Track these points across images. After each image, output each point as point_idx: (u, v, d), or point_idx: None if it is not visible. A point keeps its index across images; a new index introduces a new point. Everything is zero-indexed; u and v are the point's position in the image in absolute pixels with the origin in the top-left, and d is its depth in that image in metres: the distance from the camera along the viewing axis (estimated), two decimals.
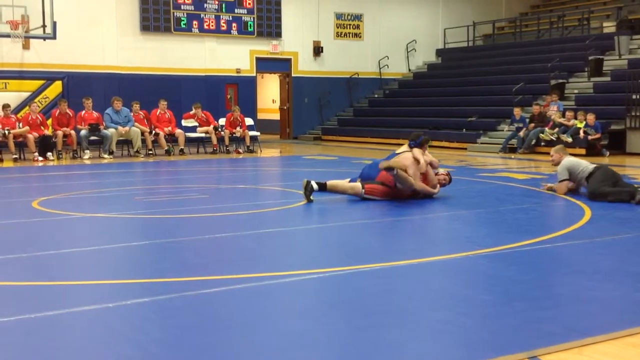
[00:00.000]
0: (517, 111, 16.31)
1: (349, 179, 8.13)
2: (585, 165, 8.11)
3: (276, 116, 23.50)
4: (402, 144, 8.46)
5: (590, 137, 14.54)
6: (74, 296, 4.02)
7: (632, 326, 3.37)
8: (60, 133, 14.62)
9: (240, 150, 16.34)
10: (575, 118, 15.11)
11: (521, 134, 15.68)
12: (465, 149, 16.90)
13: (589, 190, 7.81)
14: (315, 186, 7.62)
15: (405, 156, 7.88)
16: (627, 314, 3.62)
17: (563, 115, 15.56)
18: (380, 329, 3.38)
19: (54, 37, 15.92)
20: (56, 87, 17.77)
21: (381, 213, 7.06)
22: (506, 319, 3.53)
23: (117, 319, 3.58)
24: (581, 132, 14.67)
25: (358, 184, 7.79)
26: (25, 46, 17.20)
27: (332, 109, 22.59)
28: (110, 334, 3.38)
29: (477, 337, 3.29)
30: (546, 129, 15.36)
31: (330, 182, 7.80)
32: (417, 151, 7.89)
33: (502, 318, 3.55)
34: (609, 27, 20.29)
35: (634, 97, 15.18)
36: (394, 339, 3.23)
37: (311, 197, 7.63)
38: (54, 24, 15.66)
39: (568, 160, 8.24)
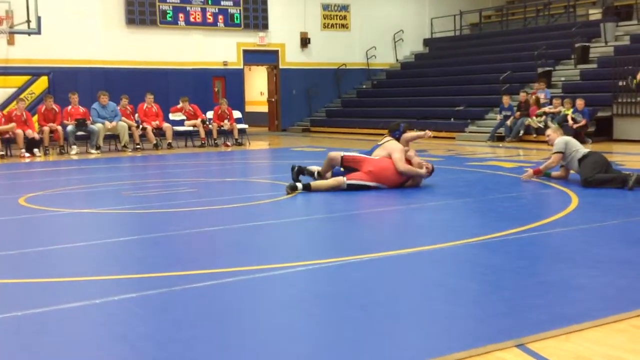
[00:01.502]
0: (505, 99, 16.35)
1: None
2: (580, 146, 8.20)
3: (264, 108, 23.45)
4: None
5: (576, 125, 14.58)
6: (62, 293, 4.00)
7: (618, 312, 3.39)
8: (46, 129, 14.52)
9: (229, 143, 16.30)
10: (562, 105, 15.17)
11: (508, 122, 15.74)
12: (454, 138, 16.94)
13: (582, 178, 7.84)
14: (300, 186, 7.73)
15: (392, 147, 7.95)
16: (614, 300, 3.64)
17: (550, 103, 15.62)
18: (370, 319, 3.39)
19: (39, 32, 15.77)
20: (42, 83, 17.64)
21: (370, 204, 7.07)
22: (494, 307, 3.55)
23: (105, 315, 3.57)
24: (569, 118, 14.72)
25: (340, 177, 7.87)
26: (10, 42, 17.05)
27: (321, 100, 22.55)
28: (99, 331, 3.37)
29: (465, 326, 3.30)
30: (533, 117, 15.40)
31: (314, 184, 7.86)
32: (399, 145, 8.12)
33: (490, 306, 3.57)
34: (595, 14, 20.35)
35: (620, 84, 15.26)
36: (383, 330, 3.24)
37: (298, 186, 7.77)
38: (39, 19, 15.52)
39: (566, 137, 8.39)
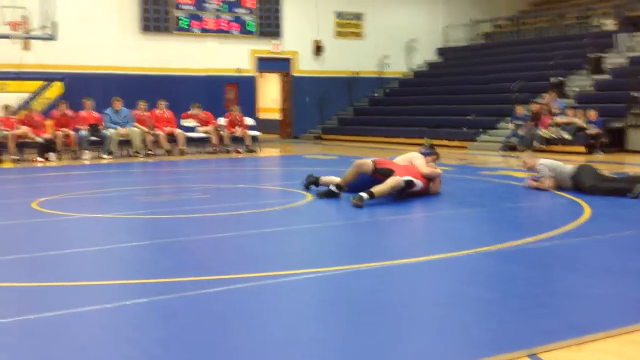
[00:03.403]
0: (519, 109, 16.31)
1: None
2: (562, 165, 8.41)
3: (276, 116, 23.49)
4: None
5: (589, 133, 14.50)
6: (74, 297, 4.01)
7: (632, 323, 3.37)
8: (60, 134, 14.62)
9: (240, 150, 16.33)
10: (575, 116, 15.12)
11: (520, 131, 15.69)
12: (466, 147, 16.90)
13: (587, 186, 7.88)
14: (365, 196, 7.16)
15: (413, 155, 8.02)
16: (628, 311, 3.62)
17: (563, 113, 15.56)
18: (380, 328, 3.38)
19: (55, 38, 15.90)
20: (56, 88, 17.77)
21: (382, 212, 7.05)
22: (506, 316, 3.53)
23: (117, 320, 3.58)
24: (584, 129, 14.64)
25: (396, 177, 7.47)
26: (25, 47, 17.18)
27: (333, 108, 22.56)
28: (111, 335, 3.38)
29: (477, 335, 3.28)
30: (541, 127, 15.34)
31: (376, 189, 7.29)
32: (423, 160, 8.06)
33: (502, 316, 3.55)
34: (608, 24, 20.28)
35: (634, 94, 15.17)
36: (393, 338, 3.23)
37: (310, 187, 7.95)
38: (54, 25, 15.64)
39: (544, 161, 8.59)
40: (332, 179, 8.11)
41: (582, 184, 8.00)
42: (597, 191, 7.76)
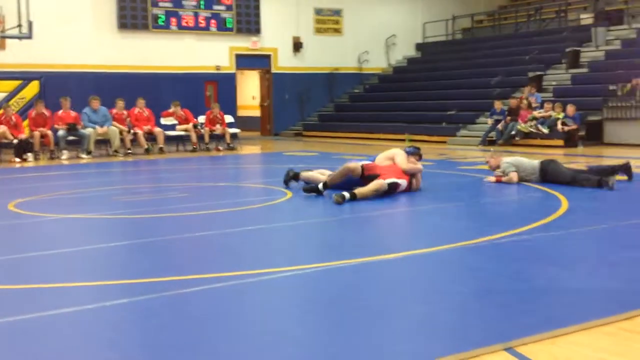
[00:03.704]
0: (497, 104, 16.43)
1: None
2: (526, 160, 8.68)
3: (257, 113, 23.45)
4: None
5: (567, 128, 14.68)
6: (52, 299, 3.98)
7: (606, 315, 3.41)
8: (37, 134, 14.48)
9: (221, 148, 16.29)
10: (553, 110, 15.25)
11: (499, 126, 15.79)
12: (445, 142, 16.98)
13: (567, 179, 8.14)
14: (347, 195, 7.20)
15: (394, 152, 8.07)
16: (603, 303, 3.66)
17: (541, 107, 15.69)
18: (360, 323, 3.39)
19: (30, 37, 15.73)
20: (33, 87, 17.61)
21: (362, 208, 7.07)
22: (483, 311, 3.56)
23: (96, 321, 3.56)
24: (559, 123, 14.80)
25: (379, 180, 7.54)
26: (1, 46, 17.01)
27: (313, 104, 22.57)
28: (89, 337, 3.36)
29: (454, 330, 3.31)
30: (520, 121, 15.46)
31: (359, 191, 7.34)
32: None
33: (479, 310, 3.58)
34: (586, 19, 20.46)
35: (611, 88, 15.34)
36: (373, 334, 3.24)
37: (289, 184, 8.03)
38: (30, 24, 15.48)
39: (508, 158, 8.83)
40: (314, 175, 8.18)
41: (555, 177, 8.26)
42: (576, 183, 8.00)
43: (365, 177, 7.73)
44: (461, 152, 14.39)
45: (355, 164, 7.84)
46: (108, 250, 5.35)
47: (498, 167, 8.74)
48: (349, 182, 7.75)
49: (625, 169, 8.44)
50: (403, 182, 7.75)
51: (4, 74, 17.18)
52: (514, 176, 8.45)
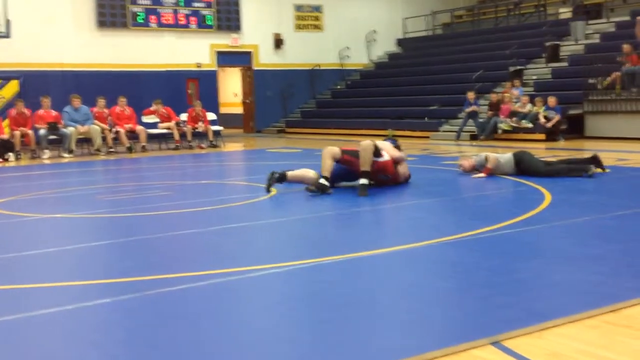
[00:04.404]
0: (470, 95, 16.39)
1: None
2: (500, 155, 8.74)
3: (239, 110, 23.38)
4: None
5: (550, 123, 14.75)
6: (34, 299, 3.94)
7: (592, 308, 3.43)
8: (17, 133, 14.33)
9: (203, 146, 16.22)
10: (532, 104, 15.32)
11: (480, 119, 15.83)
12: (428, 137, 17.03)
13: (543, 170, 8.30)
14: (366, 182, 7.39)
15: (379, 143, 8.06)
16: (587, 296, 3.68)
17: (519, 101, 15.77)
18: (345, 320, 3.38)
19: (8, 36, 15.56)
20: (12, 87, 17.43)
21: (345, 204, 7.07)
22: (468, 305, 3.57)
23: (78, 321, 3.53)
24: (541, 116, 14.87)
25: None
26: None
27: (295, 101, 22.54)
28: (72, 337, 3.32)
29: (440, 325, 3.32)
30: (501, 116, 15.52)
31: (362, 166, 7.48)
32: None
33: (465, 304, 3.59)
34: (565, 13, 20.60)
35: (591, 81, 15.45)
36: (358, 330, 3.24)
37: (271, 189, 7.73)
38: (8, 22, 15.31)
39: (480, 155, 8.87)
40: (306, 173, 7.88)
41: (531, 168, 8.37)
42: (554, 173, 8.17)
43: (345, 152, 7.68)
44: (444, 147, 14.44)
45: (334, 148, 7.74)
46: (91, 250, 5.31)
47: (473, 167, 8.76)
48: (337, 172, 7.74)
49: (595, 161, 8.52)
50: (385, 154, 7.81)
51: None
52: (491, 156, 8.51)
